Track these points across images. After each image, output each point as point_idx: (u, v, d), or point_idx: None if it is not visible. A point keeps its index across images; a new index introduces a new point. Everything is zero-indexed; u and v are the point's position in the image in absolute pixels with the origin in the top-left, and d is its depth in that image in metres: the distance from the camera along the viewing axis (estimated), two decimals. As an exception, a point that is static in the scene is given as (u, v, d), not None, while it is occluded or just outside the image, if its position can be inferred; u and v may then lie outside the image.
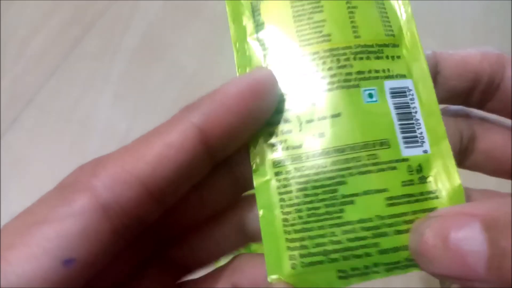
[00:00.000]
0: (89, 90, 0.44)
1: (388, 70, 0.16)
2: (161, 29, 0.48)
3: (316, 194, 0.15)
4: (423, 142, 0.15)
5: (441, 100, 0.16)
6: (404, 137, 0.15)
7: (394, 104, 0.15)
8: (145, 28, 0.48)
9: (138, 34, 0.47)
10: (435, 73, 0.16)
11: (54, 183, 0.41)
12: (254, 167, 0.16)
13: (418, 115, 0.15)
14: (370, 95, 0.15)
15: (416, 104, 0.15)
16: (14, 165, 0.40)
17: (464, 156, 0.17)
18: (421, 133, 0.15)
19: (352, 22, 0.16)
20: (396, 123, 0.15)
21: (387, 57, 0.16)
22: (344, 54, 0.16)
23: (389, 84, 0.16)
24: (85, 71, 0.45)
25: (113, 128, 0.42)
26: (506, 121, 0.17)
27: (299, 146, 0.15)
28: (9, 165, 0.40)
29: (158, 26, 0.48)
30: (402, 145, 0.15)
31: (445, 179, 0.15)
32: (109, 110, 0.43)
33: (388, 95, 0.16)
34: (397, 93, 0.16)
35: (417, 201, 0.15)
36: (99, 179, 0.13)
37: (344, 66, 0.16)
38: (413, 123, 0.15)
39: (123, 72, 0.45)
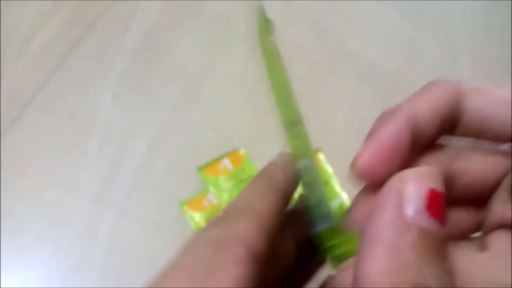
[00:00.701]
0: (89, 90, 0.44)
1: None
2: (161, 30, 0.48)
3: None
4: None
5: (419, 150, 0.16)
6: None
7: None
8: (145, 28, 0.48)
9: (138, 35, 0.47)
10: (411, 132, 0.15)
11: (53, 183, 0.41)
12: None
13: None
14: None
15: None
16: (14, 165, 0.40)
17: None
18: None
19: None
20: None
21: None
22: None
23: None
24: (85, 71, 0.45)
25: (113, 129, 0.42)
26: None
27: None
28: (9, 165, 0.40)
29: (158, 27, 0.48)
30: None
31: None
32: (109, 111, 0.43)
33: None
34: None
35: None
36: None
37: None
38: None
39: (123, 73, 0.45)
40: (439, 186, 0.11)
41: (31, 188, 0.39)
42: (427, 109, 0.15)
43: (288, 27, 0.49)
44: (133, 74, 0.45)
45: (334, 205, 0.39)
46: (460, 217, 0.16)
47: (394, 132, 0.14)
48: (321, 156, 0.41)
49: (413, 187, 0.11)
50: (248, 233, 0.13)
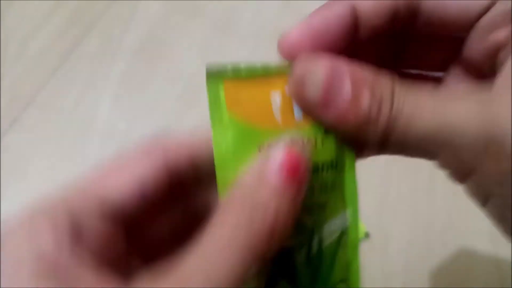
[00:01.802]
0: (89, 90, 0.44)
1: None
2: (161, 29, 0.48)
3: None
4: None
5: (367, 41, 0.16)
6: None
7: None
8: (145, 28, 0.48)
9: (138, 35, 0.48)
10: (354, 19, 0.16)
11: (54, 183, 0.41)
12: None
13: None
14: None
15: None
16: (14, 165, 0.40)
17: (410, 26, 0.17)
18: None
19: None
20: None
21: None
22: None
23: None
24: (85, 71, 0.45)
25: (113, 128, 0.42)
26: None
27: None
28: (9, 165, 0.40)
29: (158, 27, 0.48)
30: None
31: None
32: (109, 110, 0.43)
33: None
34: None
35: None
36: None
37: None
38: None
39: (123, 72, 0.45)
40: (298, 152, 0.14)
41: (31, 187, 0.39)
42: (373, 2, 0.15)
43: (286, 27, 0.50)
44: (133, 74, 0.45)
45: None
46: (427, 53, 0.18)
47: (328, 16, 0.15)
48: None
49: (273, 153, 0.14)
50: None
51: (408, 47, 0.18)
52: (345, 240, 0.16)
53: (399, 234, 0.40)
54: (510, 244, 0.40)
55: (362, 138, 0.15)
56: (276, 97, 0.15)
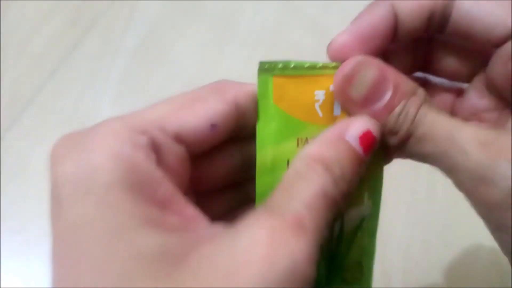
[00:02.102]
0: (89, 90, 0.44)
1: None
2: (161, 30, 0.48)
3: None
4: None
5: (405, 43, 0.18)
6: None
7: None
8: (145, 28, 0.48)
9: (138, 35, 0.48)
10: (395, 21, 0.17)
11: None
12: None
13: None
14: None
15: None
16: (15, 165, 0.40)
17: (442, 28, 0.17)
18: None
19: None
20: None
21: None
22: None
23: None
24: (85, 71, 0.45)
25: None
26: None
27: None
28: (9, 164, 0.40)
29: (158, 27, 0.48)
30: None
31: None
32: (109, 110, 0.43)
33: None
34: None
35: None
36: None
37: None
38: None
39: (123, 73, 0.45)
40: (375, 131, 0.16)
41: (32, 187, 0.39)
42: (412, 4, 0.16)
43: (286, 27, 0.50)
44: (133, 74, 0.45)
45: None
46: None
47: (374, 20, 0.17)
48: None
49: (357, 123, 0.15)
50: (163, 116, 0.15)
51: (437, 54, 0.19)
52: (365, 227, 0.18)
53: (399, 234, 0.40)
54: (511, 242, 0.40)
55: (384, 139, 0.16)
56: (320, 94, 0.17)
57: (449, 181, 0.42)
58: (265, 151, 0.16)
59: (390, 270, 0.38)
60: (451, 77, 0.19)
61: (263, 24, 0.50)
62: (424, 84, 0.19)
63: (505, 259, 0.40)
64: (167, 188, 0.13)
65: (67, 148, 0.14)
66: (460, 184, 0.17)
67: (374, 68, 0.16)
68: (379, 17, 0.17)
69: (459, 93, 0.19)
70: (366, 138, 0.15)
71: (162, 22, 0.49)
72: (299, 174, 0.14)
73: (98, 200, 0.12)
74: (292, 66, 0.17)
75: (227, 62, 0.47)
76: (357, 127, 0.15)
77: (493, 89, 0.18)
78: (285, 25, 0.50)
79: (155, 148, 0.14)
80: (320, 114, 0.17)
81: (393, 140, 0.16)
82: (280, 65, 0.17)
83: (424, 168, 0.45)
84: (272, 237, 0.12)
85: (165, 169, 0.14)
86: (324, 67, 0.17)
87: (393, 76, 0.16)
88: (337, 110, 0.17)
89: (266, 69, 0.17)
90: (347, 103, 0.16)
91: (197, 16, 0.49)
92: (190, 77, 0.46)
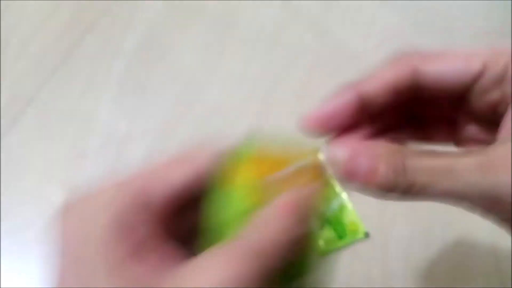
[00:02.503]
0: (89, 90, 0.44)
1: None
2: (161, 30, 0.48)
3: None
4: None
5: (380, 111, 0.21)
6: None
7: None
8: (145, 29, 0.48)
9: (138, 35, 0.48)
10: (361, 102, 0.20)
11: (54, 183, 0.41)
12: None
13: None
14: None
15: None
16: (15, 165, 0.40)
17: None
18: None
19: None
20: None
21: None
22: None
23: None
24: (85, 71, 0.45)
25: (113, 129, 0.42)
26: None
27: None
28: (9, 164, 0.40)
29: (158, 27, 0.49)
30: None
31: None
32: (109, 111, 0.43)
33: None
34: None
35: None
36: None
37: None
38: None
39: (123, 73, 0.46)
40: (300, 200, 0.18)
41: (32, 187, 0.39)
42: (375, 87, 0.20)
43: (287, 28, 0.50)
44: (133, 75, 0.46)
45: (334, 205, 0.40)
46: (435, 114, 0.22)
47: (339, 102, 0.20)
48: (321, 157, 0.42)
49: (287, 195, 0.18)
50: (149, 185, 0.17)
51: (418, 106, 0.21)
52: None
53: (399, 233, 0.40)
54: (510, 242, 0.40)
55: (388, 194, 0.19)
56: (291, 167, 0.19)
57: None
58: (217, 216, 0.18)
59: (390, 270, 0.38)
60: (437, 118, 0.22)
61: (263, 25, 0.50)
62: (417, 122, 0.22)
63: (504, 259, 0.40)
64: (147, 232, 0.16)
65: (74, 209, 0.18)
66: (476, 210, 0.19)
67: (342, 148, 0.19)
68: (342, 100, 0.20)
69: (451, 123, 0.22)
70: (290, 206, 0.17)
71: (163, 22, 0.49)
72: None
73: (96, 243, 0.16)
74: (267, 139, 0.20)
75: (227, 62, 0.47)
76: (284, 197, 0.17)
77: (478, 117, 0.21)
78: (285, 26, 0.50)
79: (146, 201, 0.17)
80: (288, 183, 0.18)
81: (397, 195, 0.19)
82: (261, 139, 0.19)
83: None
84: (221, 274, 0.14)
85: (146, 219, 0.16)
86: (297, 142, 0.20)
87: (363, 146, 0.19)
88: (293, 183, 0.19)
89: (249, 139, 0.19)
90: (341, 182, 0.20)
91: (197, 16, 0.50)
92: (190, 77, 0.46)
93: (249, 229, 0.16)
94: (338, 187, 0.40)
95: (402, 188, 0.18)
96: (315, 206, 0.18)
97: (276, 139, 0.20)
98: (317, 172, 0.20)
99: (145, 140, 0.42)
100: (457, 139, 0.22)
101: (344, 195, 0.40)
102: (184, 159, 0.19)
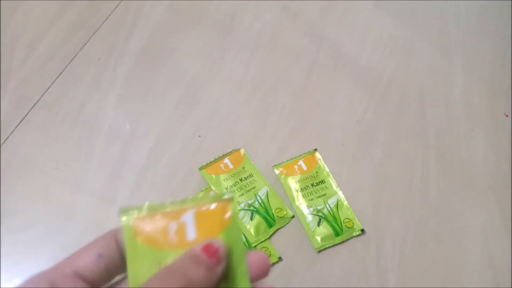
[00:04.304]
0: (94, 92, 0.45)
1: None
2: (164, 33, 0.49)
3: None
4: None
5: None
6: None
7: None
8: (149, 32, 0.49)
9: (142, 38, 0.48)
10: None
11: (60, 182, 0.41)
12: None
13: None
14: None
15: None
16: (22, 164, 0.41)
17: None
18: None
19: None
20: None
21: None
22: None
23: None
24: (91, 73, 0.46)
25: (117, 129, 0.43)
26: None
27: None
28: (16, 164, 0.41)
29: (162, 30, 0.49)
30: None
31: None
32: (114, 111, 0.44)
33: None
34: None
35: None
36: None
37: None
38: None
39: (128, 75, 0.46)
40: (216, 244, 0.20)
41: (38, 186, 0.40)
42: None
43: (285, 31, 0.50)
44: (137, 76, 0.46)
45: (332, 201, 0.40)
46: None
47: None
48: (317, 155, 0.42)
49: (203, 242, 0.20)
50: None
51: None
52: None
53: (393, 231, 0.40)
54: (503, 239, 0.41)
55: None
56: (172, 225, 0.21)
57: (443, 180, 0.44)
58: (135, 275, 0.20)
59: (385, 267, 0.39)
60: None
61: (263, 28, 0.50)
62: None
63: (498, 256, 0.41)
64: None
65: None
66: None
67: None
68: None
69: None
70: (208, 248, 0.19)
71: (165, 25, 0.49)
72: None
73: None
74: (145, 207, 0.21)
75: (227, 64, 0.47)
76: (200, 244, 0.19)
77: None
78: (283, 29, 0.50)
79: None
80: (175, 241, 0.20)
81: None
82: (136, 209, 0.21)
83: (419, 167, 0.46)
84: None
85: None
86: (170, 205, 0.21)
87: None
88: (190, 236, 0.20)
89: (125, 213, 0.21)
90: None
91: (199, 20, 0.50)
92: (192, 79, 0.46)
93: (179, 263, 0.19)
94: (334, 185, 0.41)
95: None
96: (224, 249, 0.20)
97: (143, 208, 0.21)
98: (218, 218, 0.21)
99: (148, 140, 0.43)
100: None
101: (340, 193, 0.41)
102: (90, 244, 0.21)
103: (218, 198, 0.21)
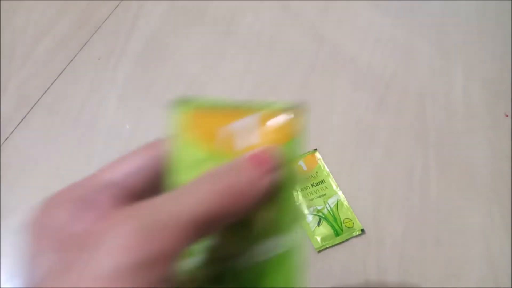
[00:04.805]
0: (94, 92, 0.45)
1: None
2: (165, 33, 0.49)
3: None
4: None
5: None
6: None
7: None
8: (149, 32, 0.49)
9: (142, 38, 0.48)
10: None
11: (60, 182, 0.41)
12: None
13: None
14: None
15: None
16: (21, 164, 0.41)
17: None
18: None
19: None
20: None
21: None
22: None
23: None
24: (91, 73, 0.46)
25: (117, 129, 0.43)
26: None
27: None
28: (16, 164, 0.41)
29: (162, 30, 0.49)
30: None
31: None
32: (114, 112, 0.44)
33: None
34: None
35: None
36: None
37: None
38: None
39: (128, 75, 0.46)
40: (268, 152, 0.18)
41: (38, 186, 0.40)
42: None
43: (285, 31, 0.50)
44: (137, 76, 0.46)
45: (332, 201, 0.40)
46: None
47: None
48: (317, 155, 0.43)
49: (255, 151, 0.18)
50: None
51: None
52: (286, 260, 0.18)
53: (393, 230, 0.40)
54: (503, 238, 0.41)
55: None
56: (224, 130, 0.19)
57: (443, 180, 0.44)
58: (176, 177, 0.18)
59: (385, 266, 0.39)
60: None
61: (263, 28, 0.50)
62: None
63: (498, 256, 0.41)
64: (106, 205, 0.17)
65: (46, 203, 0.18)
66: None
67: None
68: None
69: None
70: (257, 157, 0.18)
71: (166, 25, 0.49)
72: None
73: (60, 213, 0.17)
74: (202, 102, 0.19)
75: (227, 65, 0.47)
76: (253, 151, 0.18)
77: None
78: (284, 29, 0.50)
79: (88, 204, 0.17)
80: (223, 148, 0.18)
81: None
82: (192, 103, 0.19)
83: (419, 167, 0.46)
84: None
85: (106, 196, 0.17)
86: (228, 106, 0.19)
87: None
88: (245, 141, 0.18)
89: (180, 104, 0.19)
90: None
91: (199, 20, 0.50)
92: (192, 80, 0.46)
93: (221, 169, 0.17)
94: (334, 185, 0.41)
95: None
96: (282, 161, 0.18)
97: (201, 103, 0.19)
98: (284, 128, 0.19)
99: (149, 140, 0.42)
100: None
101: (340, 193, 0.41)
102: (141, 148, 0.20)
103: (287, 107, 0.19)
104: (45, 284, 0.15)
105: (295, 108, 0.19)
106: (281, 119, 0.19)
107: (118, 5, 0.50)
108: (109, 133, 0.43)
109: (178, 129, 0.19)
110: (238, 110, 0.19)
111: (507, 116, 0.47)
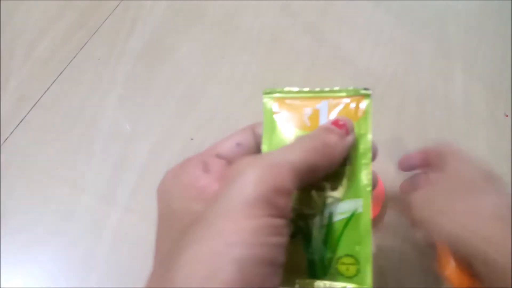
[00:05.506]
0: (94, 92, 0.45)
1: None
2: (165, 33, 0.49)
3: None
4: None
5: None
6: None
7: None
8: (149, 31, 0.49)
9: (142, 38, 0.48)
10: None
11: (60, 181, 0.41)
12: None
13: None
14: None
15: None
16: (22, 164, 0.41)
17: None
18: None
19: None
20: None
21: None
22: None
23: None
24: (91, 73, 0.46)
25: (117, 129, 0.43)
26: None
27: None
28: (17, 163, 0.41)
29: (162, 30, 0.49)
30: None
31: None
32: (114, 111, 0.44)
33: None
34: None
35: None
36: None
37: None
38: None
39: (128, 74, 0.46)
40: (343, 120, 0.23)
41: (38, 186, 0.40)
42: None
43: (285, 31, 0.50)
44: (137, 76, 0.46)
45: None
46: None
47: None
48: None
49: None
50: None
51: None
52: (355, 223, 0.21)
53: (394, 230, 0.40)
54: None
55: None
56: (307, 110, 0.23)
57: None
58: (269, 148, 0.23)
59: (385, 269, 0.39)
60: None
61: (263, 28, 0.50)
62: None
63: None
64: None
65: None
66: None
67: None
68: None
69: None
70: (337, 122, 0.22)
71: (166, 25, 0.49)
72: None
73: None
74: (286, 90, 0.24)
75: (228, 64, 0.47)
76: (330, 120, 0.23)
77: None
78: (284, 29, 0.50)
79: (207, 167, 0.23)
80: (308, 124, 0.23)
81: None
82: (277, 91, 0.24)
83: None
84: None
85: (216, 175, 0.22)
86: (310, 91, 0.24)
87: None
88: (323, 121, 0.23)
89: (269, 92, 0.24)
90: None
91: (199, 20, 0.50)
92: (193, 80, 0.46)
93: (315, 132, 0.21)
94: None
95: None
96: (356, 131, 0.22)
97: (285, 91, 0.24)
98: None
99: (149, 139, 0.43)
100: None
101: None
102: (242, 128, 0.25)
103: (355, 92, 0.23)
104: (202, 219, 0.18)
105: (361, 93, 0.23)
106: (349, 101, 0.23)
107: (118, 5, 0.50)
108: (109, 133, 0.43)
109: (269, 111, 0.24)
110: (315, 95, 0.24)
111: (507, 116, 0.47)
